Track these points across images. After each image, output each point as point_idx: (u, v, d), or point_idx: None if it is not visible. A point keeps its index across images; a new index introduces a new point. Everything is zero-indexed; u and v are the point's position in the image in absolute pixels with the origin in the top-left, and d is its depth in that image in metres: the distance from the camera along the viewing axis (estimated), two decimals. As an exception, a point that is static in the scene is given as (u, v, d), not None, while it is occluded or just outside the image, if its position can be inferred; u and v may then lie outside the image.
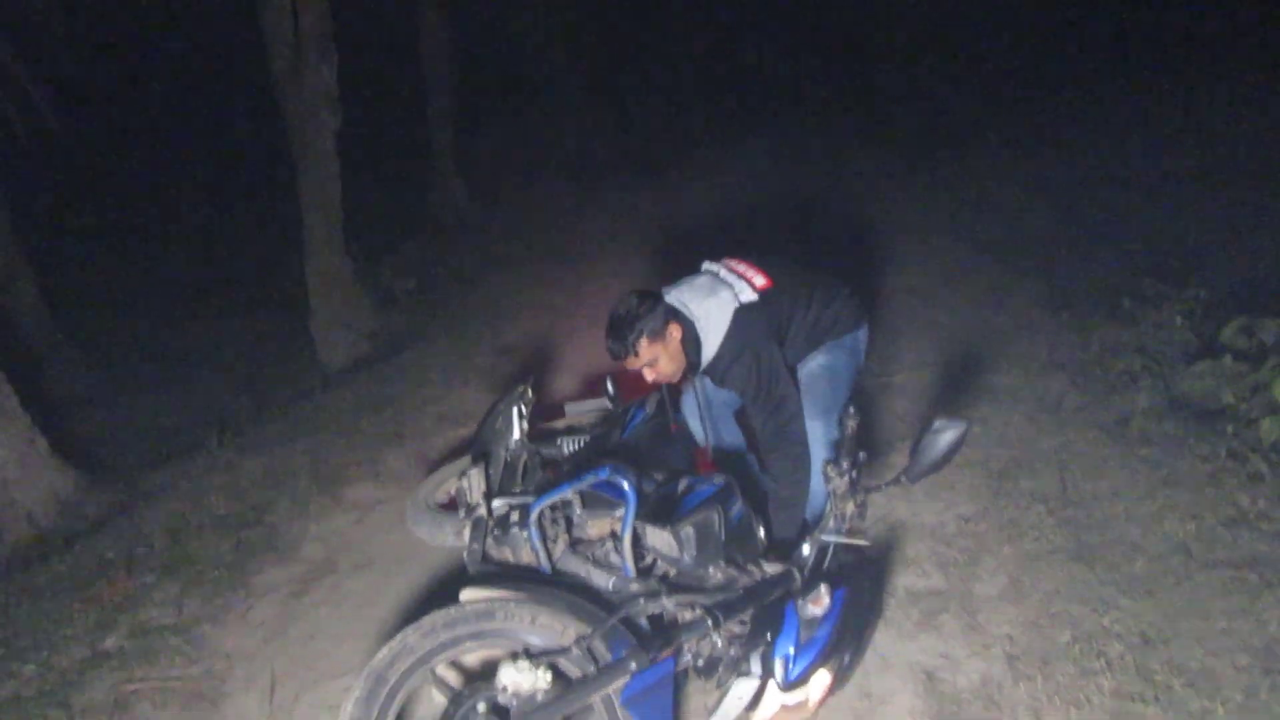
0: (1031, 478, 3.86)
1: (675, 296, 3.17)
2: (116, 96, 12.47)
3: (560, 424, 3.64)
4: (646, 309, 3.03)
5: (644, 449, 3.12)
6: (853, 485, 2.57)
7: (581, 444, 3.33)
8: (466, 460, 3.13)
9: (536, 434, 3.37)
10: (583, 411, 3.70)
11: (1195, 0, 13.41)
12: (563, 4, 13.20)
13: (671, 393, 3.51)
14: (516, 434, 3.12)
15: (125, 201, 12.67)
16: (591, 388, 4.63)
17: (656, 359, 3.07)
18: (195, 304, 9.63)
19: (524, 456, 3.10)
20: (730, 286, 3.16)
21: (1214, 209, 7.75)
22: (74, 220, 11.90)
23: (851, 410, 2.56)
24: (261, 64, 7.05)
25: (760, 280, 3.18)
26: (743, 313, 3.09)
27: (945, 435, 2.48)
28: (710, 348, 3.09)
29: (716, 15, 16.14)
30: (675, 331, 3.07)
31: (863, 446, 2.57)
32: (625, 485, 2.57)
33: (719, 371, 3.13)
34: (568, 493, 2.66)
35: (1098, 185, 9.00)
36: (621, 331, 3.02)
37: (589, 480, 2.65)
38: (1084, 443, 4.12)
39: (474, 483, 2.93)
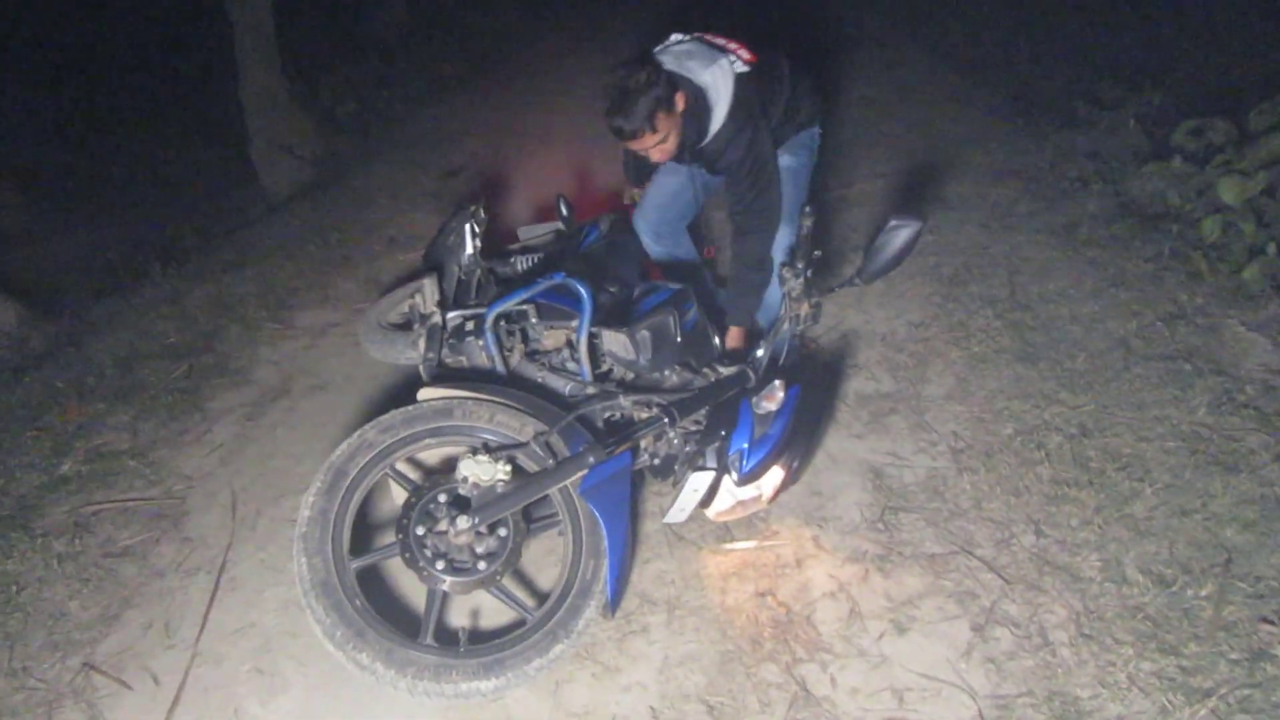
0: (981, 282, 3.92)
1: (671, 64, 2.83)
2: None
3: (514, 246, 3.59)
4: (651, 78, 2.67)
5: (599, 262, 3.10)
6: (808, 286, 2.59)
7: (535, 260, 3.29)
8: (420, 281, 3.09)
9: (490, 253, 3.32)
10: (536, 234, 3.65)
11: None
12: None
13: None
14: (470, 250, 3.07)
15: (49, 28, 11.87)
16: (544, 210, 4.55)
17: (668, 135, 2.78)
18: (132, 133, 9.21)
19: (477, 273, 3.06)
20: (723, 53, 2.90)
21: (1191, 7, 7.60)
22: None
23: (808, 210, 2.54)
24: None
25: (745, 54, 2.94)
26: (742, 82, 2.84)
27: (900, 234, 2.48)
28: (716, 120, 2.84)
29: None
30: (681, 102, 2.77)
31: (818, 246, 2.57)
32: (580, 290, 2.56)
33: (718, 148, 2.88)
34: (523, 299, 2.65)
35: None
36: (631, 106, 2.66)
37: (544, 286, 2.63)
38: (1033, 247, 4.17)
39: (428, 294, 2.90)
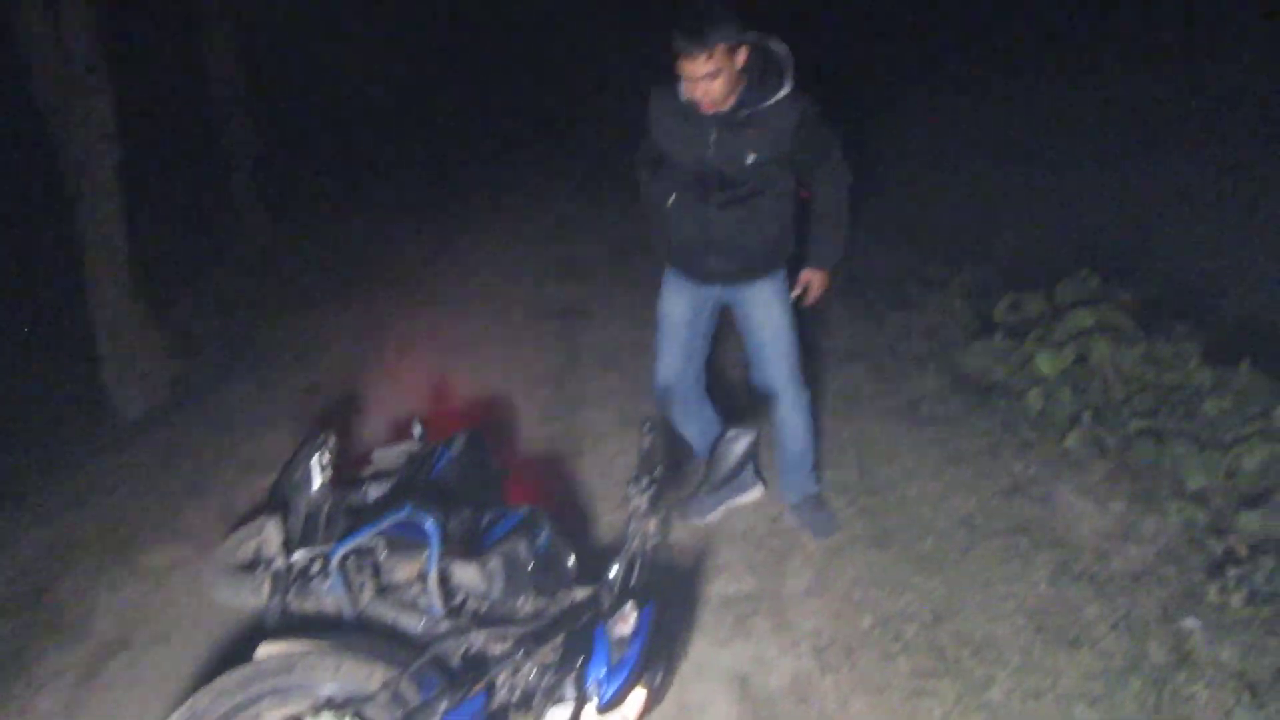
0: (833, 468, 4.06)
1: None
2: None
3: (367, 471, 3.55)
4: (732, 15, 2.83)
5: (451, 486, 3.08)
6: (653, 502, 2.63)
7: (388, 487, 3.26)
8: (261, 518, 3.01)
9: (340, 482, 3.27)
10: (390, 456, 3.63)
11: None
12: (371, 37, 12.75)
13: None
14: (317, 483, 3.02)
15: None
16: (402, 427, 4.55)
17: (720, 73, 2.86)
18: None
19: (326, 506, 3.00)
20: None
21: (1005, 185, 8.37)
22: None
23: (648, 426, 2.62)
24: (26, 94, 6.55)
25: None
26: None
27: (738, 445, 2.58)
28: (784, 89, 3.00)
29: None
30: (742, 56, 2.90)
31: (662, 460, 2.63)
32: (427, 523, 2.54)
33: (780, 110, 3.00)
34: (370, 536, 2.60)
35: (892, 164, 9.54)
36: (705, 21, 2.78)
37: (390, 521, 2.60)
38: (879, 428, 4.37)
39: (271, 535, 2.82)
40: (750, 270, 3.36)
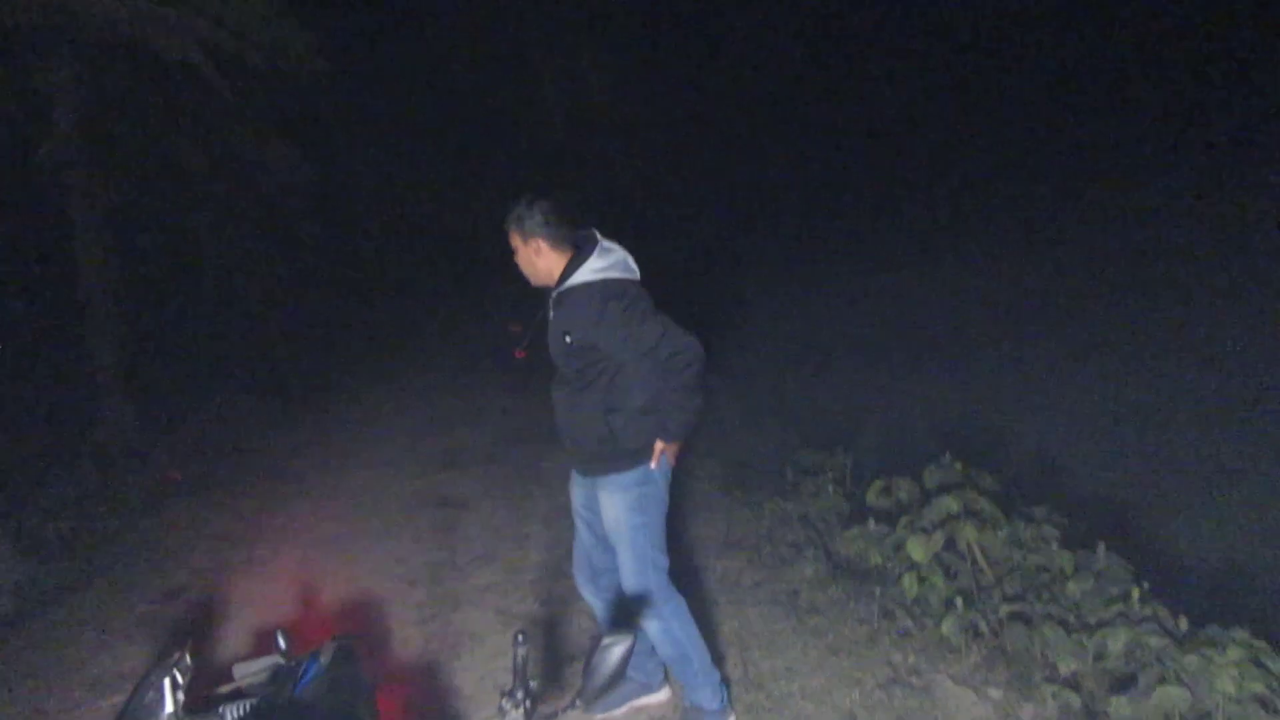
0: (718, 663, 4.01)
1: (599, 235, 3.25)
2: None
3: (226, 688, 3.32)
4: (535, 208, 3.18)
5: (318, 704, 2.91)
6: (528, 716, 2.54)
7: (247, 708, 3.05)
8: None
9: (196, 703, 3.05)
10: (252, 671, 3.41)
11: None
12: (246, 225, 12.83)
13: None
14: (169, 708, 2.80)
15: None
16: (266, 641, 4.31)
17: (518, 251, 3.26)
18: None
19: (178, 733, 2.78)
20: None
21: (864, 377, 8.79)
22: None
23: (520, 637, 2.56)
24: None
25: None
26: (637, 287, 3.19)
27: (615, 650, 2.53)
28: (585, 274, 3.14)
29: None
30: (538, 246, 3.21)
31: (548, 672, 2.57)
32: (288, 753, 2.38)
33: (573, 296, 3.16)
34: (223, 771, 2.42)
35: (760, 361, 9.95)
36: (515, 205, 3.22)
37: (246, 753, 2.43)
38: (761, 620, 4.37)
39: (114, 775, 2.59)
40: (591, 463, 3.36)
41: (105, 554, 6.58)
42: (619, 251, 3.26)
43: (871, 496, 5.18)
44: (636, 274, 3.27)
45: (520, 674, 2.55)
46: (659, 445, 3.26)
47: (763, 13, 17.90)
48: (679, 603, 3.42)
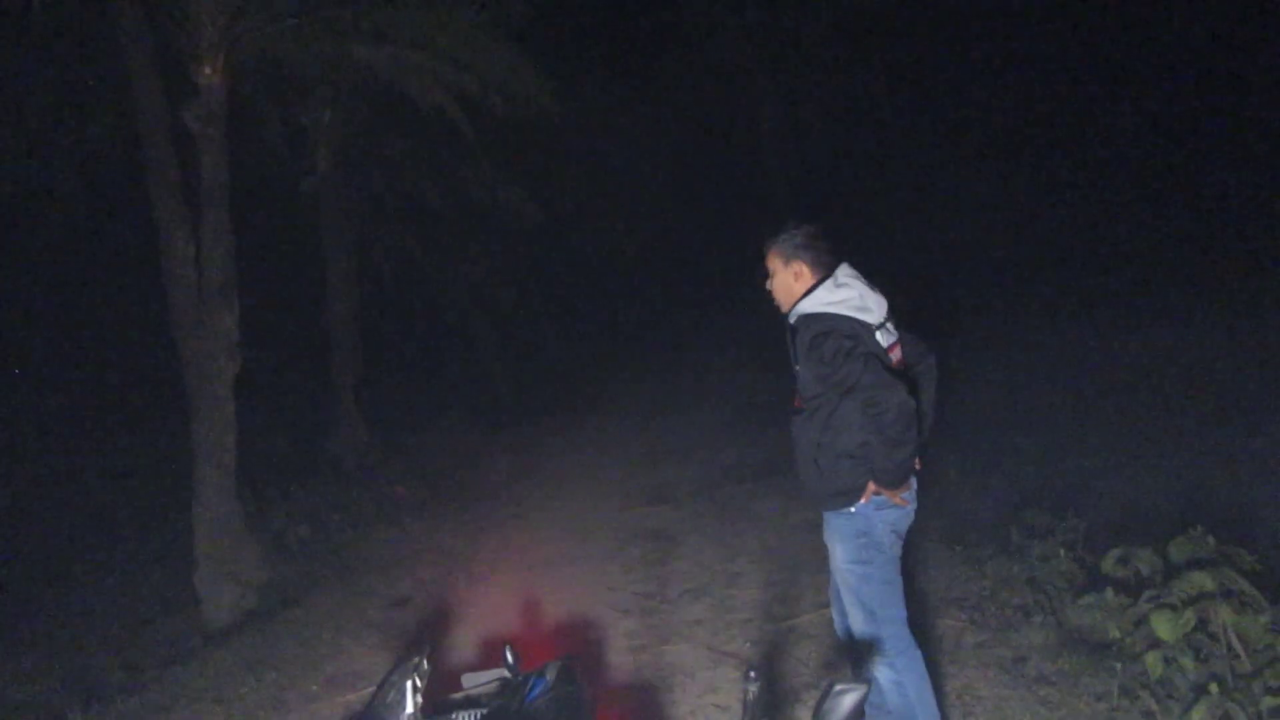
0: (939, 726, 3.83)
1: (846, 264, 3.23)
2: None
3: (457, 695, 3.48)
4: (802, 230, 3.23)
5: (545, 719, 2.99)
6: (758, 756, 2.51)
7: (479, 717, 3.17)
8: (353, 738, 2.95)
9: (431, 707, 3.21)
10: (481, 682, 3.56)
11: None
12: (477, 260, 13.65)
13: None
14: (409, 709, 2.95)
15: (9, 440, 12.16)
16: (491, 653, 4.49)
17: (773, 274, 3.28)
18: (71, 558, 9.10)
19: (417, 733, 2.93)
20: (886, 315, 3.19)
21: (1094, 439, 8.23)
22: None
23: (753, 675, 2.53)
24: (163, 308, 7.08)
25: (898, 353, 3.23)
26: (855, 326, 3.07)
27: (846, 699, 2.45)
28: (810, 305, 3.13)
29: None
30: (799, 269, 3.21)
31: (767, 712, 2.53)
32: (522, 762, 2.45)
33: (798, 325, 3.15)
34: (461, 774, 2.52)
35: (980, 415, 9.50)
36: (778, 229, 3.26)
37: (485, 757, 2.52)
38: (984, 683, 4.14)
39: (361, 764, 2.75)
40: (810, 496, 3.32)
41: (339, 561, 7.09)
42: (856, 287, 3.18)
43: (1108, 565, 4.82)
44: (872, 313, 3.15)
45: (751, 712, 2.53)
46: (870, 486, 3.15)
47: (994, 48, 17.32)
48: (915, 656, 3.30)
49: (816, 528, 6.55)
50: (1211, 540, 4.37)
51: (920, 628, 4.76)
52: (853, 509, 3.20)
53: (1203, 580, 4.02)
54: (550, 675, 3.34)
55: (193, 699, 4.72)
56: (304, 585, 6.60)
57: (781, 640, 4.79)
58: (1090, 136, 17.04)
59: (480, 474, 9.15)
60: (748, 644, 4.71)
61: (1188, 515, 5.09)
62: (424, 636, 5.01)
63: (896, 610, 3.29)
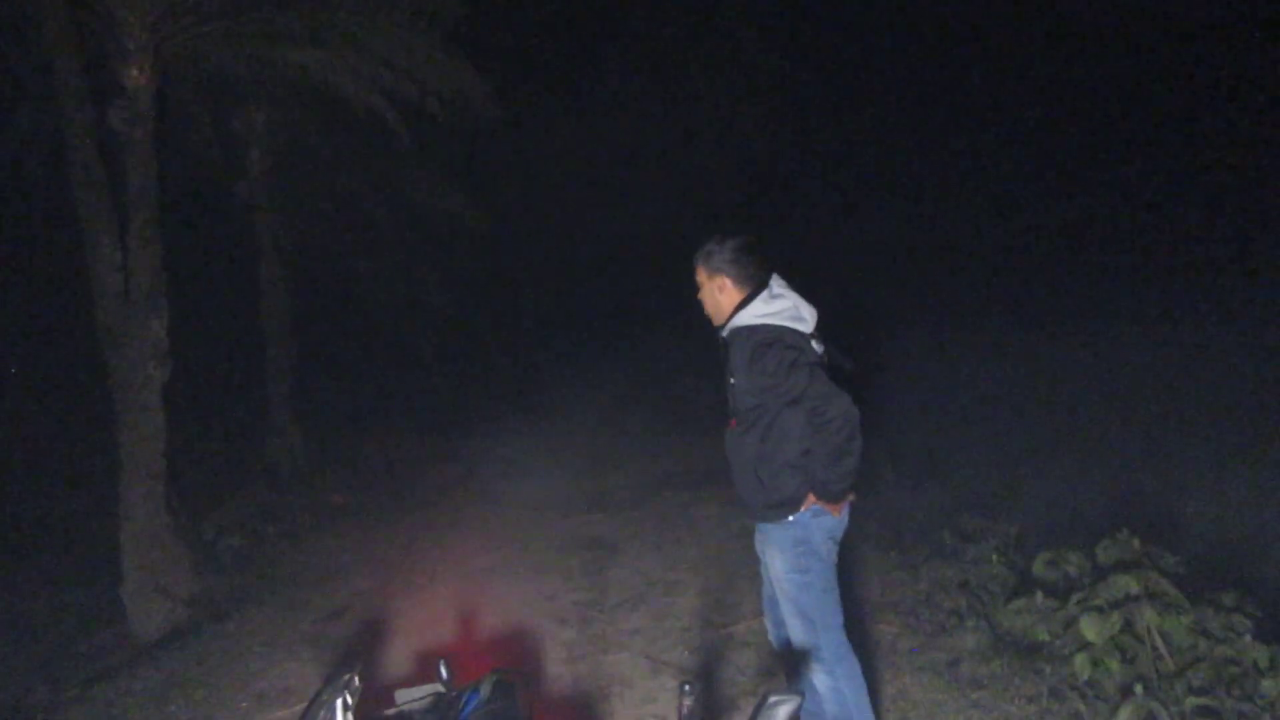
0: (874, 731, 3.86)
1: (777, 276, 3.26)
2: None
3: (390, 712, 3.42)
4: (726, 244, 3.24)
5: (477, 736, 2.95)
6: (692, 768, 2.50)
7: (410, 734, 3.12)
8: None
9: (362, 723, 3.14)
10: (414, 698, 3.50)
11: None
12: (415, 265, 13.45)
13: None
14: (340, 727, 2.90)
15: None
16: (426, 667, 4.43)
17: (700, 286, 3.32)
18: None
19: (347, 752, 2.87)
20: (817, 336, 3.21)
21: (1027, 442, 8.41)
22: None
23: (687, 688, 2.52)
24: (87, 313, 6.87)
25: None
26: (796, 336, 3.12)
27: (781, 710, 2.47)
28: (747, 317, 3.17)
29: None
30: (722, 283, 3.24)
31: (701, 726, 2.52)
32: (455, 782, 2.42)
33: (733, 339, 3.20)
34: (392, 795, 2.47)
35: (916, 418, 9.66)
36: (704, 244, 3.29)
37: (416, 778, 2.48)
38: (919, 688, 4.19)
39: (289, 787, 2.69)
40: (748, 508, 3.35)
41: (273, 571, 6.94)
42: (789, 298, 3.23)
43: (1039, 568, 4.93)
44: (806, 323, 3.21)
45: (685, 723, 2.52)
46: (811, 497, 3.18)
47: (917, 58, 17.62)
48: (852, 663, 3.34)
49: (749, 532, 6.62)
50: (1137, 543, 4.48)
51: (857, 633, 4.80)
52: (791, 518, 3.22)
53: (1128, 583, 4.13)
54: (485, 690, 3.29)
55: (118, 716, 4.57)
56: (236, 598, 6.44)
57: (720, 648, 4.80)
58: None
59: (419, 482, 9.04)
60: (686, 652, 4.71)
61: (1117, 518, 5.22)
62: (356, 652, 4.92)
63: (834, 618, 3.33)
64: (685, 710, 2.52)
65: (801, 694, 2.51)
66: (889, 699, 4.13)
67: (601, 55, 17.67)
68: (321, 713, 2.95)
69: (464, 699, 3.24)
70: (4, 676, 6.15)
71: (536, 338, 16.36)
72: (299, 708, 4.25)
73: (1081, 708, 3.80)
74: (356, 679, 3.04)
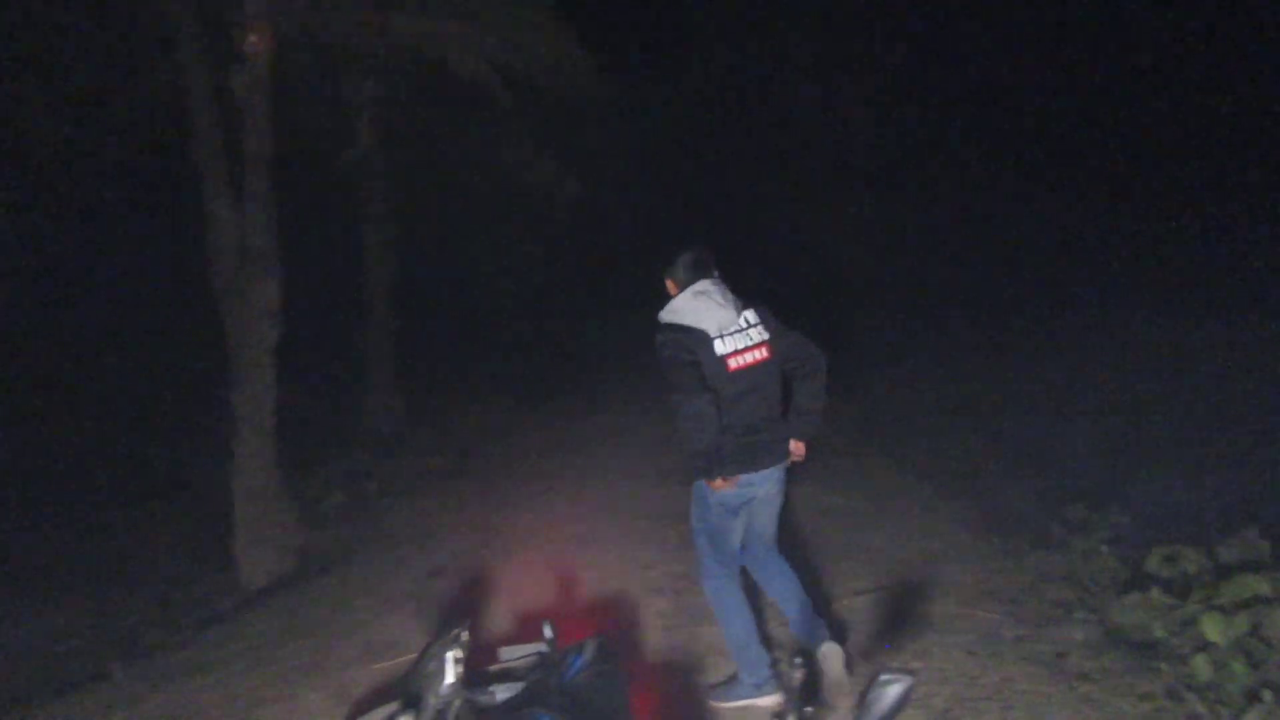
0: (975, 717, 3.78)
1: (704, 284, 3.74)
2: (52, 282, 12.41)
3: (494, 668, 3.48)
4: (681, 256, 3.81)
5: (584, 697, 2.99)
6: (801, 741, 2.48)
7: (517, 690, 3.17)
8: (390, 706, 2.96)
9: (469, 679, 3.21)
10: (518, 655, 3.56)
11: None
12: (511, 237, 13.63)
13: None
14: (450, 679, 2.96)
15: (48, 400, 12.32)
16: (527, 627, 4.50)
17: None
18: (112, 512, 9.23)
19: (455, 704, 2.93)
20: (734, 326, 3.72)
21: (1135, 435, 8.09)
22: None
23: (798, 661, 2.51)
24: (204, 275, 7.14)
25: (762, 353, 3.73)
26: (684, 336, 3.67)
27: (891, 690, 2.42)
28: (662, 314, 3.77)
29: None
30: (670, 283, 3.83)
31: (810, 700, 2.50)
32: (561, 736, 2.45)
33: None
34: (505, 744, 2.52)
35: (1020, 408, 9.38)
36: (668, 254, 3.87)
37: (527, 730, 2.52)
38: (1024, 679, 4.08)
39: (403, 731, 2.75)
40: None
41: (374, 529, 7.13)
42: (700, 301, 3.72)
43: (1153, 563, 4.76)
44: (712, 324, 3.69)
45: (797, 698, 2.50)
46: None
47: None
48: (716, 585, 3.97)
49: (849, 513, 6.53)
50: (1265, 545, 4.29)
51: (955, 618, 4.72)
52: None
53: (1258, 584, 3.95)
54: (589, 652, 3.33)
55: (230, 659, 4.76)
56: (339, 552, 6.65)
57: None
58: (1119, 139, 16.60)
59: (513, 449, 9.16)
60: (780, 627, 4.68)
61: (1230, 519, 5.00)
62: (463, 609, 5.02)
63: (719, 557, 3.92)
64: (797, 683, 2.50)
65: (913, 674, 2.47)
66: (991, 687, 4.02)
67: (700, 25, 17.48)
68: (433, 664, 3.03)
69: (568, 659, 3.28)
70: (125, 613, 6.49)
71: (630, 309, 16.39)
72: (405, 658, 4.37)
73: (1201, 709, 3.64)
74: (465, 634, 3.11)
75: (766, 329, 3.78)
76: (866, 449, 8.57)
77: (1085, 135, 16.83)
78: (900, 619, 4.76)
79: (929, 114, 17.30)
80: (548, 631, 3.43)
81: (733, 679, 3.97)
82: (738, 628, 3.90)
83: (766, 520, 4.04)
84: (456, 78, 9.22)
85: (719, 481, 3.69)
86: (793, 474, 7.36)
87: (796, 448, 3.94)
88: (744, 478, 3.74)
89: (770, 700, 3.86)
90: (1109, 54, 16.17)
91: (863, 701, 2.43)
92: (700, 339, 3.65)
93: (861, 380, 11.01)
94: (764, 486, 3.86)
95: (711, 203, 17.90)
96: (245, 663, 4.69)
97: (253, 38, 6.96)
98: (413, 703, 2.88)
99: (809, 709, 2.48)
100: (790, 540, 5.98)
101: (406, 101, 10.99)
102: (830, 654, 3.70)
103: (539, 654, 3.53)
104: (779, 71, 18.23)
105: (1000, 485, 7.06)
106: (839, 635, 4.11)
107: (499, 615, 4.94)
